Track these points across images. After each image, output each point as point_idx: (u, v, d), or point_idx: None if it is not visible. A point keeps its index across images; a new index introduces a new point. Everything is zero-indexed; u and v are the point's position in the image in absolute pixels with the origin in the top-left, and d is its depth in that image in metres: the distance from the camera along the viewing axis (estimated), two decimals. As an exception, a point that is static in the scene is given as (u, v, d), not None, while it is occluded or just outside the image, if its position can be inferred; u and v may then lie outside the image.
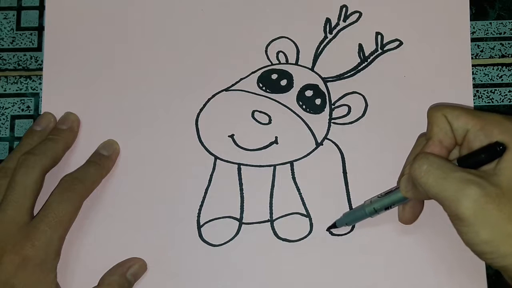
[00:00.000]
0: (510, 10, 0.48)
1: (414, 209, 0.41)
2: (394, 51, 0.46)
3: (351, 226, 0.44)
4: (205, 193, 0.44)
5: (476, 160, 0.36)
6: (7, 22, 0.48)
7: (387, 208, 0.41)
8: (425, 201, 0.41)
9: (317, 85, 0.46)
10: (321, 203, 0.44)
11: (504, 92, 0.47)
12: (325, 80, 0.46)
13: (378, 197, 0.41)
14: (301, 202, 0.44)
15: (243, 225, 0.44)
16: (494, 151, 0.35)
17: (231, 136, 0.45)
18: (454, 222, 0.35)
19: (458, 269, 0.43)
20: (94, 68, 0.46)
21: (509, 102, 0.47)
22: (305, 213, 0.44)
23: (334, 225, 0.43)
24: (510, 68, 0.47)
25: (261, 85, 0.46)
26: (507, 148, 0.35)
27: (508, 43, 0.47)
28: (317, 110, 0.46)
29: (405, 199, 0.39)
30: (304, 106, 0.46)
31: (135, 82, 0.46)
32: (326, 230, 0.44)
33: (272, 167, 0.45)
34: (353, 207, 0.44)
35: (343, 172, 0.45)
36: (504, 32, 0.48)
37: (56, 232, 0.39)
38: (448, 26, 0.47)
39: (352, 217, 0.43)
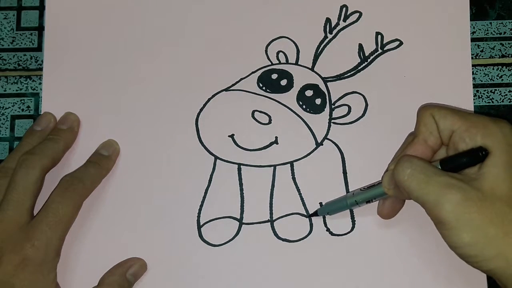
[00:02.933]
0: (510, 10, 0.48)
1: (394, 205, 0.41)
2: (394, 51, 0.46)
3: (351, 227, 0.44)
4: (205, 193, 0.44)
5: (458, 163, 0.36)
6: (7, 22, 0.48)
7: (368, 201, 0.41)
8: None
9: (317, 85, 0.46)
10: (321, 203, 0.44)
11: (504, 92, 0.47)
12: (325, 80, 0.46)
13: (360, 189, 0.41)
14: (301, 202, 0.44)
15: (243, 225, 0.44)
16: (476, 156, 0.35)
17: (231, 136, 0.45)
18: (437, 225, 0.35)
19: (458, 269, 0.43)
20: (94, 68, 0.46)
21: (509, 102, 0.47)
22: (305, 213, 0.44)
23: (315, 213, 0.43)
24: (510, 68, 0.47)
25: (261, 85, 0.46)
26: (489, 153, 0.35)
27: (508, 43, 0.47)
28: (317, 110, 0.46)
29: (386, 194, 0.40)
30: (304, 106, 0.46)
31: (135, 82, 0.46)
32: (307, 217, 0.44)
33: (272, 167, 0.45)
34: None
35: (343, 172, 0.45)
36: (504, 32, 0.48)
37: (56, 232, 0.39)
38: (448, 26, 0.47)
39: (333, 207, 0.43)
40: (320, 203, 0.44)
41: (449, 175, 0.35)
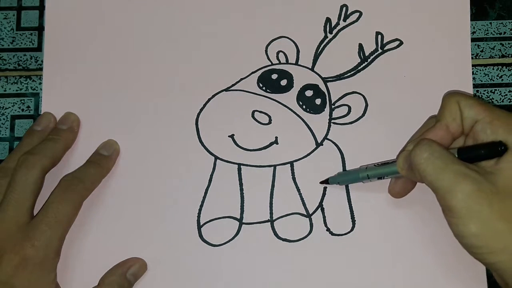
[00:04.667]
0: (510, 10, 0.48)
1: (405, 185, 0.41)
2: (394, 51, 0.46)
3: (351, 227, 0.44)
4: (205, 193, 0.44)
5: (476, 154, 0.36)
6: (7, 22, 0.48)
7: (380, 178, 0.41)
8: (427, 206, 0.42)
9: (317, 85, 0.46)
10: (321, 203, 0.44)
11: (504, 92, 0.47)
12: (325, 80, 0.46)
13: (374, 165, 0.41)
14: (301, 202, 0.44)
15: (243, 225, 0.44)
16: (495, 149, 0.35)
17: (231, 136, 0.45)
18: (446, 213, 0.36)
19: (458, 269, 0.43)
20: (94, 68, 0.46)
21: (509, 102, 0.47)
22: (305, 213, 0.44)
23: (326, 181, 0.44)
24: (510, 68, 0.47)
25: (261, 85, 0.46)
26: (508, 149, 0.35)
27: (508, 43, 0.47)
28: (317, 110, 0.46)
29: (397, 174, 0.39)
30: (304, 106, 0.46)
31: (135, 82, 0.46)
32: (320, 183, 0.44)
33: (272, 167, 0.45)
34: (353, 206, 0.44)
35: (343, 172, 0.45)
36: (504, 32, 0.48)
37: (56, 232, 0.39)
38: (448, 26, 0.47)
39: (345, 178, 0.43)
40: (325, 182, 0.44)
41: (465, 165, 0.35)
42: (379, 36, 0.47)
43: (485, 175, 0.35)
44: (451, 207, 0.34)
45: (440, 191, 0.35)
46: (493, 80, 0.47)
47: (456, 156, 0.36)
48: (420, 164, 0.36)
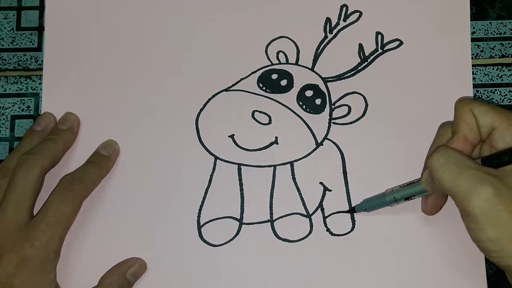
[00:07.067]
0: (510, 10, 0.48)
1: (437, 201, 0.41)
2: (394, 51, 0.46)
3: (351, 227, 0.44)
4: (205, 193, 0.44)
5: (499, 162, 0.36)
6: (7, 22, 0.48)
7: (407, 198, 0.41)
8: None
9: (317, 85, 0.46)
10: (321, 203, 0.44)
11: (504, 92, 0.47)
12: (325, 80, 0.46)
13: (400, 186, 0.41)
14: (301, 202, 0.44)
15: (243, 225, 0.44)
16: None
17: (231, 136, 0.45)
18: (464, 218, 0.35)
19: (458, 269, 0.43)
20: (94, 68, 0.46)
21: (509, 102, 0.47)
22: (305, 213, 0.44)
23: (353, 209, 0.43)
24: (510, 68, 0.47)
25: (261, 85, 0.46)
26: None
27: (508, 43, 0.48)
28: (317, 110, 0.46)
29: (425, 192, 0.39)
30: (304, 106, 0.46)
31: (135, 82, 0.46)
32: (346, 212, 0.44)
33: (272, 167, 0.45)
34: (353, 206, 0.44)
35: (343, 172, 0.45)
36: (504, 32, 0.48)
37: (56, 232, 0.39)
38: (448, 26, 0.47)
39: (372, 204, 0.43)
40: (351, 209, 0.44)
41: (483, 169, 0.35)
42: (379, 36, 0.47)
43: (504, 179, 0.34)
44: (468, 212, 0.34)
45: (457, 197, 0.34)
46: (493, 80, 0.47)
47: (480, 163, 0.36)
48: (437, 170, 0.36)
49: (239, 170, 0.45)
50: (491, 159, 0.36)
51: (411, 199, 0.41)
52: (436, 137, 0.42)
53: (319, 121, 0.45)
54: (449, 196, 0.40)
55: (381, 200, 0.42)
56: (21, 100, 0.47)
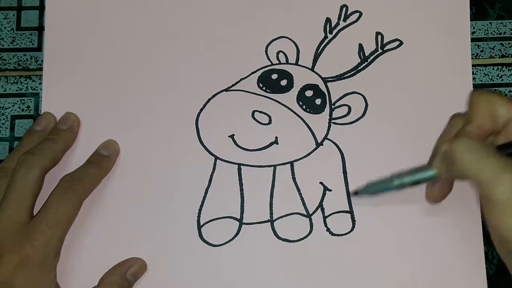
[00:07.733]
0: (510, 10, 0.48)
1: (443, 188, 0.40)
2: (394, 51, 0.46)
3: (351, 227, 0.44)
4: (205, 193, 0.44)
5: None
6: (7, 22, 0.48)
7: (414, 184, 0.40)
8: (427, 206, 0.41)
9: (317, 85, 0.46)
10: (321, 203, 0.44)
11: (504, 92, 0.47)
12: (325, 80, 0.46)
13: (406, 172, 0.40)
14: (301, 202, 0.44)
15: (243, 225, 0.44)
16: None
17: (231, 136, 0.45)
18: (486, 206, 0.35)
19: (458, 269, 0.43)
20: (94, 68, 0.46)
21: (509, 102, 0.47)
22: (305, 213, 0.44)
23: (356, 193, 0.40)
24: (510, 68, 0.47)
25: (261, 85, 0.46)
26: None
27: (508, 43, 0.48)
28: (317, 110, 0.46)
29: (433, 178, 0.39)
30: (304, 106, 0.46)
31: (135, 82, 0.46)
32: (352, 194, 0.42)
33: (272, 167, 0.45)
34: (353, 206, 0.44)
35: (343, 172, 0.45)
36: (504, 32, 0.48)
37: (56, 232, 0.39)
38: (448, 26, 0.47)
39: (377, 187, 0.40)
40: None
41: (506, 158, 0.35)
42: (379, 36, 0.47)
43: None
44: (492, 199, 0.33)
45: (481, 183, 0.34)
46: (493, 80, 0.47)
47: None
48: (461, 154, 0.35)
49: (239, 170, 0.45)
50: (507, 147, 0.36)
51: (418, 184, 0.40)
52: (447, 128, 0.42)
53: (319, 121, 0.45)
54: (450, 193, 0.40)
55: (387, 184, 0.40)
56: (21, 100, 0.47)
